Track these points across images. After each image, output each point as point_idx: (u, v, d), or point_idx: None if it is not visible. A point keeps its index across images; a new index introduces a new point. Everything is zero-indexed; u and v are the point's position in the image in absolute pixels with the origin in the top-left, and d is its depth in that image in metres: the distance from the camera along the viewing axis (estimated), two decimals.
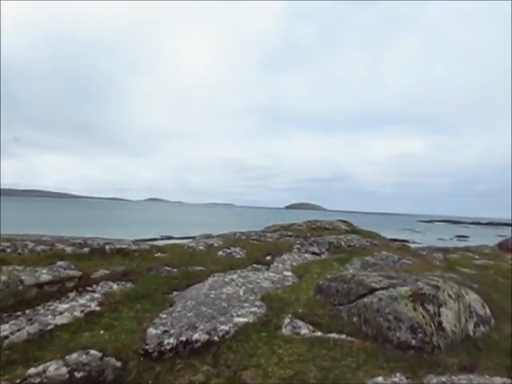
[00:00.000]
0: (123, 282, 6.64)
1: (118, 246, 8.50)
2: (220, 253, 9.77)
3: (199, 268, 7.97)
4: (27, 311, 5.11)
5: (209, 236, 13.82)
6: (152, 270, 7.48)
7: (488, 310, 5.75)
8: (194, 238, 14.69)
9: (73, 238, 8.78)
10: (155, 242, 13.89)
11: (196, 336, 4.72)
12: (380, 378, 3.83)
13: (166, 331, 4.79)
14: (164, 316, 5.30)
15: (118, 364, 4.17)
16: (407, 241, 46.58)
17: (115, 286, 6.42)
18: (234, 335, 4.89)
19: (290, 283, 7.53)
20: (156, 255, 8.83)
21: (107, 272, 6.85)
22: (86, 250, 7.99)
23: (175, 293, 6.45)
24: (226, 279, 7.27)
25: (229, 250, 9.99)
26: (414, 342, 4.42)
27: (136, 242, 10.23)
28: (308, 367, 4.10)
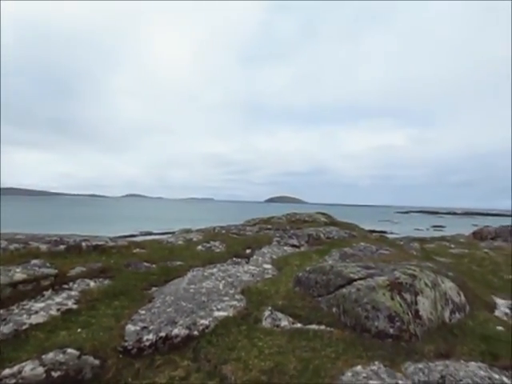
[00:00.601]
0: (100, 279, 6.54)
1: (94, 243, 8.36)
2: (199, 247, 9.72)
3: (178, 263, 7.91)
4: (1, 311, 4.98)
5: (188, 231, 13.73)
6: (130, 266, 7.39)
7: (463, 298, 5.87)
8: (173, 233, 14.57)
9: (48, 235, 8.60)
10: (135, 239, 13.74)
11: (176, 331, 4.69)
12: (359, 367, 3.89)
13: (144, 327, 4.75)
14: (143, 312, 5.24)
15: (97, 362, 4.11)
16: (385, 232, 47.32)
17: (92, 284, 6.32)
18: (214, 329, 4.88)
19: (270, 276, 7.54)
20: (134, 251, 8.71)
21: (84, 269, 6.73)
22: (62, 247, 7.83)
23: (154, 288, 6.38)
24: (206, 273, 7.24)
25: (208, 245, 9.95)
26: (391, 330, 4.49)
27: (114, 238, 10.08)
28: (288, 358, 4.12)
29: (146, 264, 7.64)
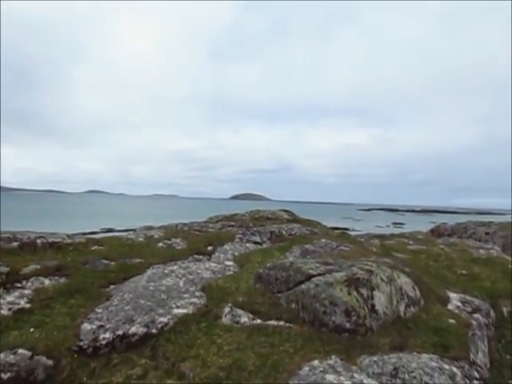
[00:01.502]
0: (56, 277, 6.35)
1: (51, 240, 8.09)
2: (160, 244, 9.58)
3: (138, 260, 7.77)
4: None
5: (150, 228, 13.52)
6: (88, 263, 7.20)
7: (418, 292, 6.06)
8: (135, 230, 14.30)
9: (0, 232, 8.25)
10: (95, 236, 13.37)
11: (133, 329, 4.64)
12: (316, 362, 3.97)
13: (101, 326, 4.67)
14: (100, 310, 5.15)
15: (50, 362, 4.02)
16: (347, 229, 48.22)
17: (47, 282, 6.13)
18: (173, 327, 4.86)
19: (231, 273, 7.55)
20: (92, 248, 8.49)
21: (38, 267, 6.51)
22: (15, 244, 7.55)
23: (112, 286, 6.26)
24: (166, 271, 7.15)
25: (169, 242, 9.82)
26: (348, 325, 4.60)
27: (72, 235, 9.79)
28: (247, 355, 4.16)
29: (104, 261, 7.47)
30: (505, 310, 7.66)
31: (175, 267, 7.49)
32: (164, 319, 4.94)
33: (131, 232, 12.72)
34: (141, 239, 10.06)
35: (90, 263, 7.25)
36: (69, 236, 9.07)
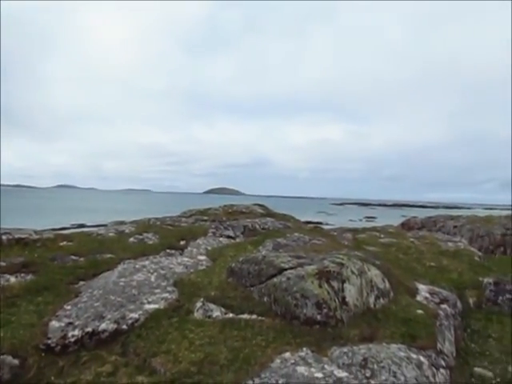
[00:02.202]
0: (22, 274, 6.20)
1: (17, 236, 7.87)
2: (131, 239, 9.44)
3: (109, 256, 7.64)
4: None
5: (122, 223, 13.31)
6: (56, 259, 7.04)
7: (388, 284, 6.18)
8: (106, 225, 14.03)
9: None
10: (65, 232, 13.05)
11: (103, 326, 4.58)
12: (287, 354, 4.00)
13: (70, 323, 4.59)
14: (68, 308, 5.05)
15: (16, 362, 3.95)
16: (321, 223, 48.69)
17: (13, 279, 5.97)
18: (144, 323, 4.81)
19: (204, 267, 7.51)
20: (61, 244, 8.30)
21: (3, 264, 6.34)
22: None
23: (81, 283, 6.15)
24: (137, 266, 7.04)
25: (141, 236, 9.68)
26: (319, 317, 4.65)
27: (39, 231, 9.54)
28: (219, 349, 4.15)
29: (73, 257, 7.32)
30: (471, 300, 7.92)
31: (147, 262, 7.39)
32: (135, 315, 4.88)
33: (102, 227, 12.49)
34: (111, 234, 9.89)
35: (59, 259, 7.09)
36: (36, 232, 8.84)
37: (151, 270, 6.85)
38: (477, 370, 5.28)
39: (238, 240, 10.79)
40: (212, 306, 5.21)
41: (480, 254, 13.43)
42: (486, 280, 8.35)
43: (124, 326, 4.65)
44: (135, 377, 3.77)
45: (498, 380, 5.02)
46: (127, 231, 10.31)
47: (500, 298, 7.76)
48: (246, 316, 4.95)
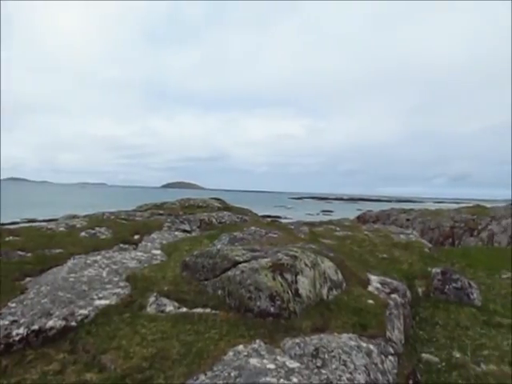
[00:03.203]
0: None
1: None
2: (83, 234, 9.16)
3: (58, 251, 7.38)
4: None
5: (73, 217, 12.88)
6: (1, 255, 6.72)
7: (341, 276, 6.32)
8: (57, 220, 13.53)
9: None
10: (13, 226, 12.45)
11: (50, 323, 4.43)
12: (241, 346, 4.02)
13: (14, 321, 4.41)
14: (13, 305, 4.85)
15: None
16: (279, 217, 49.20)
17: None
18: (94, 319, 4.71)
19: (158, 262, 7.41)
20: (7, 239, 7.92)
21: None
22: None
23: (28, 279, 5.91)
24: (89, 261, 6.85)
25: (93, 231, 9.42)
26: (272, 309, 4.70)
27: None
28: (171, 343, 4.12)
29: (19, 253, 7.02)
30: (420, 289, 8.30)
31: (98, 257, 7.19)
32: (84, 311, 4.76)
33: (52, 222, 12.04)
34: (62, 229, 9.55)
35: (4, 255, 6.78)
36: None
37: (103, 265, 6.68)
38: (424, 355, 5.54)
39: (193, 234, 10.72)
40: (165, 300, 5.16)
41: (430, 245, 14.09)
42: (434, 270, 8.79)
43: (73, 323, 4.52)
44: (84, 374, 3.67)
45: (443, 364, 5.29)
46: (79, 226, 9.99)
47: (447, 286, 8.18)
48: (199, 310, 4.93)
